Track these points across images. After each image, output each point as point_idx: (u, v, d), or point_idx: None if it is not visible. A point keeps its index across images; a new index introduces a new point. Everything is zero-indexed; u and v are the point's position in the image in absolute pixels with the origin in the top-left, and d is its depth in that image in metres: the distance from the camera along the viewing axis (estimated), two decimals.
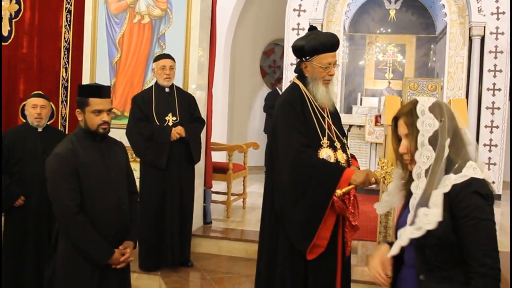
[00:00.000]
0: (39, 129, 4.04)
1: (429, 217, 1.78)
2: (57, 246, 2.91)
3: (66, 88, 5.99)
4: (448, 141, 1.82)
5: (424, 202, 1.82)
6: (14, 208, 3.93)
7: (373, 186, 3.11)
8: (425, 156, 1.84)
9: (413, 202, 1.87)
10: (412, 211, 1.85)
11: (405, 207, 1.99)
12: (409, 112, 1.90)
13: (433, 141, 1.83)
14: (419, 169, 1.86)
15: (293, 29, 8.08)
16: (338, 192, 2.66)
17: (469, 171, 1.80)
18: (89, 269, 2.84)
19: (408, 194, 1.96)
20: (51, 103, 4.34)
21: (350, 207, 2.80)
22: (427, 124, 1.84)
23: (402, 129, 1.92)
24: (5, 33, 6.11)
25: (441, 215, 1.77)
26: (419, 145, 1.85)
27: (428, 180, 1.83)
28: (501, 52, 7.52)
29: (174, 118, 4.57)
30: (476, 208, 1.75)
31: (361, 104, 9.57)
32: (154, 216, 4.49)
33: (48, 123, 4.31)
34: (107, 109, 2.91)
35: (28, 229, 3.92)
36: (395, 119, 1.97)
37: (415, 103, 1.90)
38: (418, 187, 1.86)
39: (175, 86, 4.72)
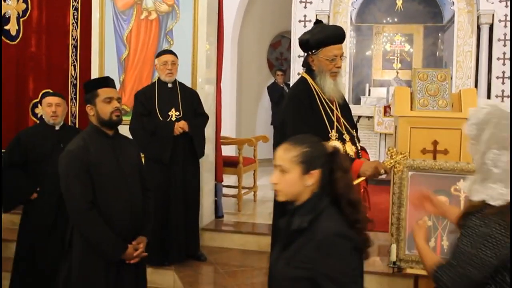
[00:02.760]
0: (57, 127, 4.09)
1: None
2: (72, 244, 2.94)
3: (75, 85, 6.03)
4: None
5: None
6: (31, 206, 3.98)
7: (383, 176, 3.10)
8: None
9: None
10: None
11: None
12: None
13: None
14: None
15: (299, 21, 8.05)
16: None
17: None
18: (104, 266, 2.86)
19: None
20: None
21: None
22: None
23: None
24: (13, 32, 6.15)
25: None
26: None
27: None
28: (510, 39, 7.45)
29: (177, 113, 4.59)
30: None
31: (369, 95, 9.53)
32: (158, 210, 4.51)
33: None
34: (117, 97, 2.98)
35: (46, 227, 3.94)
36: None
37: None
38: None
39: (178, 81, 4.74)
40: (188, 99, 4.71)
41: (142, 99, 4.61)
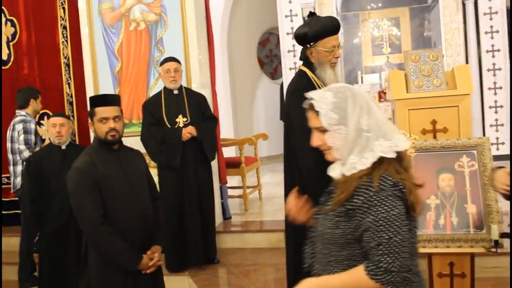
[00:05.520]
0: (63, 147, 4.14)
1: None
2: (88, 258, 2.96)
3: (71, 103, 6.05)
4: None
5: None
6: (46, 226, 4.03)
7: None
8: None
9: None
10: None
11: None
12: None
13: None
14: None
15: (286, 16, 8.08)
16: None
17: None
18: (122, 277, 2.89)
19: None
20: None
21: None
22: None
23: None
24: (4, 56, 6.17)
25: None
26: None
27: None
28: (496, 12, 7.49)
29: (185, 119, 4.63)
30: None
31: (362, 82, 9.58)
32: (174, 216, 4.56)
33: None
34: (113, 116, 2.92)
35: (61, 245, 3.98)
36: None
37: None
38: None
39: (184, 87, 4.79)
40: (195, 104, 4.74)
41: (150, 109, 4.67)
